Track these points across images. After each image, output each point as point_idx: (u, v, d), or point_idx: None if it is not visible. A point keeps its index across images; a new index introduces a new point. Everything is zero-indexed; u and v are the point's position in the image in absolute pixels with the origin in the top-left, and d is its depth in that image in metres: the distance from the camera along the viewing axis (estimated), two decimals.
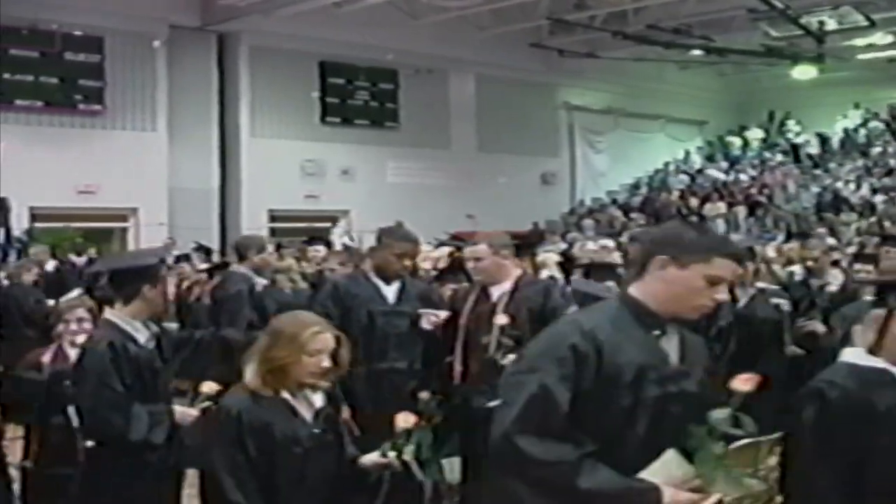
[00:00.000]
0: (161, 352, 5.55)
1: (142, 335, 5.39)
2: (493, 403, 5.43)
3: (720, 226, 25.00)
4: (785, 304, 8.62)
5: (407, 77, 25.89)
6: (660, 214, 26.82)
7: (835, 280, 9.84)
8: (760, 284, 8.88)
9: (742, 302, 8.41)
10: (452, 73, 27.08)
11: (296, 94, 24.24)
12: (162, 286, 5.61)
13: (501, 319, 6.15)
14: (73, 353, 6.14)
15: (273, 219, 23.67)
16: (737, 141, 32.88)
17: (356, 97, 25.25)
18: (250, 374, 4.26)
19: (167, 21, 22.10)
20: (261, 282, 8.72)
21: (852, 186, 26.10)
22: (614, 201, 29.86)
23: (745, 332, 7.72)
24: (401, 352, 6.84)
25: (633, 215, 27.21)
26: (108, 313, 5.49)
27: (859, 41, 25.24)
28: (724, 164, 31.11)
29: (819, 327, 9.01)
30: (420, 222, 21.68)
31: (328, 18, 22.62)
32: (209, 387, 5.45)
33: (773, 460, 6.75)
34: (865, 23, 22.98)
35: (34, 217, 20.47)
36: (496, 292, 6.33)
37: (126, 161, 21.28)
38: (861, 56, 26.89)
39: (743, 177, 29.38)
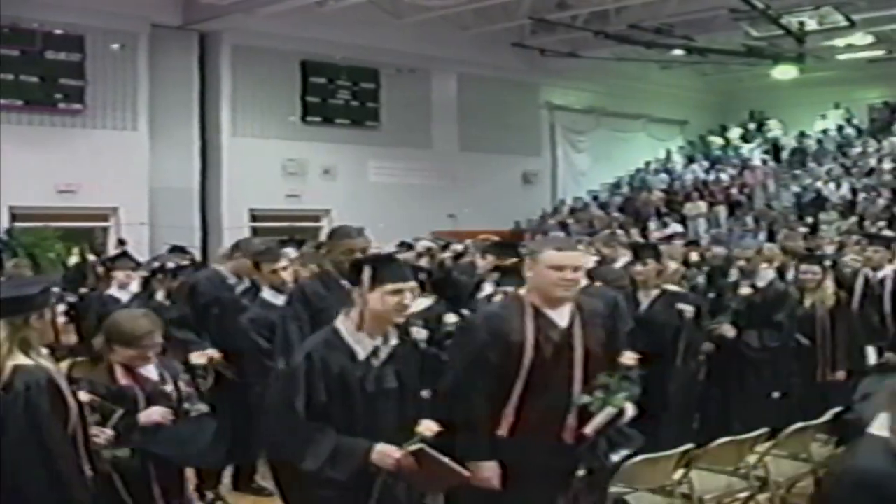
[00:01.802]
0: (399, 375, 4.82)
1: (363, 349, 4.75)
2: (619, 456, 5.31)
3: (701, 225, 25.14)
4: (689, 309, 8.14)
5: (388, 76, 25.86)
6: (640, 213, 26.94)
7: (763, 280, 9.58)
8: (671, 287, 8.55)
9: (644, 305, 8.18)
10: (434, 73, 27.07)
11: (277, 93, 24.20)
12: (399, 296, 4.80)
13: (629, 359, 5.11)
14: (151, 373, 5.68)
15: (254, 218, 23.63)
16: (718, 140, 32.99)
17: (337, 96, 25.21)
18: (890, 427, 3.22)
19: (149, 20, 22.04)
20: (239, 285, 8.67)
21: (832, 186, 26.22)
22: (595, 198, 29.94)
23: (645, 338, 7.08)
24: None
25: (614, 214, 27.31)
26: (339, 318, 4.89)
27: (839, 41, 25.38)
28: (705, 164, 31.20)
29: (728, 331, 8.91)
30: (401, 222, 21.89)
31: (310, 17, 22.59)
32: (427, 427, 4.64)
33: (753, 458, 6.84)
34: (845, 23, 23.08)
35: (14, 217, 20.35)
36: (556, 313, 5.10)
37: (107, 160, 21.21)
38: (841, 56, 27.05)
39: (723, 176, 29.48)
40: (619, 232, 22.19)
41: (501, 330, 5.00)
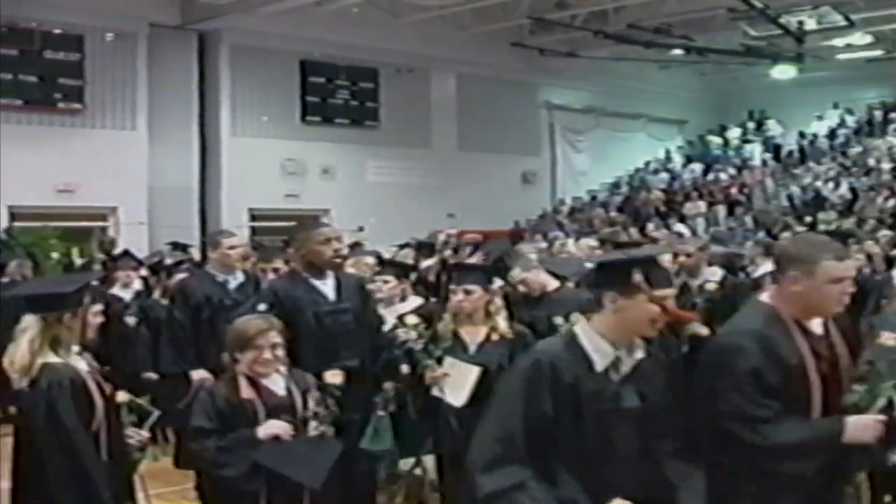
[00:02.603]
0: (642, 394, 4.11)
1: (602, 358, 4.08)
2: None
3: (700, 225, 25.12)
4: None
5: (388, 76, 25.85)
6: (639, 213, 26.92)
7: (713, 277, 8.97)
8: None
9: None
10: (433, 72, 27.05)
11: (276, 93, 24.18)
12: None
13: (889, 339, 4.61)
14: (278, 386, 5.32)
15: (253, 217, 23.62)
16: (717, 140, 32.99)
17: (337, 96, 25.19)
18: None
19: (147, 19, 22.02)
20: (231, 281, 8.58)
21: (831, 185, 26.22)
22: (594, 199, 29.95)
23: None
24: (351, 350, 6.60)
25: (611, 214, 27.29)
26: (580, 322, 4.30)
27: (838, 41, 25.38)
28: (704, 164, 31.21)
29: (702, 330, 8.11)
30: (400, 221, 21.90)
31: (309, 17, 22.60)
32: None
33: None
34: (844, 23, 23.08)
35: (13, 216, 20.35)
36: (813, 324, 4.43)
37: (106, 160, 21.19)
38: (840, 56, 27.05)
39: (723, 176, 29.49)
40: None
41: (777, 353, 4.24)
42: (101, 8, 21.02)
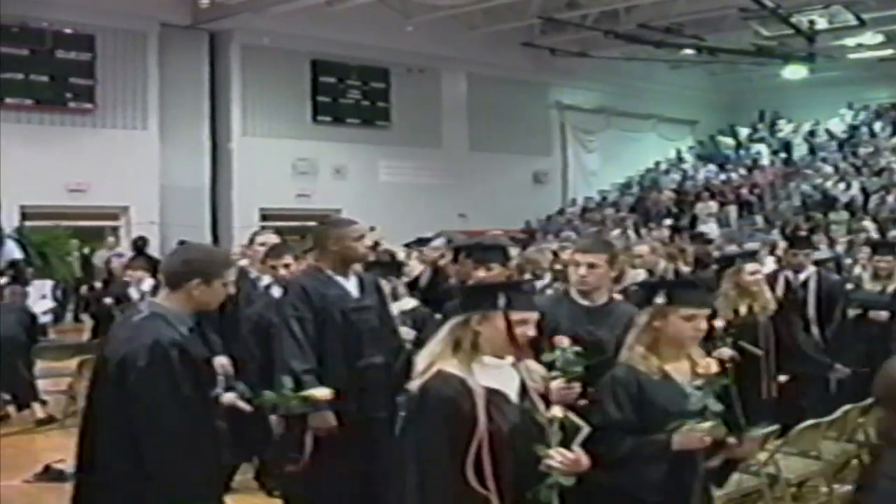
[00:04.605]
0: None
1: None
2: None
3: (712, 225, 25.06)
4: None
5: (398, 76, 25.87)
6: (650, 214, 26.88)
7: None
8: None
9: None
10: (444, 72, 27.07)
11: (287, 93, 24.21)
12: None
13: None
14: None
15: (264, 217, 23.60)
16: (728, 140, 32.95)
17: (348, 96, 25.23)
18: None
19: (158, 19, 22.09)
20: (262, 279, 8.55)
21: (842, 186, 26.14)
22: (604, 199, 29.92)
23: None
24: (376, 347, 6.48)
25: (622, 214, 27.25)
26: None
27: (849, 41, 25.34)
28: (716, 164, 31.16)
29: None
30: (411, 221, 21.92)
31: (320, 17, 22.61)
32: None
33: (763, 455, 6.81)
34: (856, 22, 23.05)
35: (24, 216, 20.40)
36: None
37: (117, 159, 21.25)
38: (851, 55, 26.98)
39: (734, 176, 29.44)
40: (631, 234, 22.15)
41: None
42: (113, 8, 21.06)
